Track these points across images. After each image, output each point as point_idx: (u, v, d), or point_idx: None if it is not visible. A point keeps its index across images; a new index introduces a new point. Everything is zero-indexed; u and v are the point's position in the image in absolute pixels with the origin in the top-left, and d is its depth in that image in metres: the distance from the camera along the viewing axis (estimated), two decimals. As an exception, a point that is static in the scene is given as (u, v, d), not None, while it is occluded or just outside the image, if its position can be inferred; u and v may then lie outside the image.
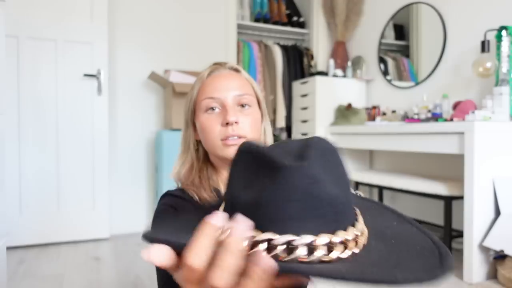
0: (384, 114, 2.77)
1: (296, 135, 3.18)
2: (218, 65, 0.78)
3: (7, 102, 2.17)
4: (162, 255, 0.32)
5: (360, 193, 0.56)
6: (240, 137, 0.70)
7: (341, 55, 3.25)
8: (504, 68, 1.95)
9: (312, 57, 3.37)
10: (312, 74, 3.21)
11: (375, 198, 2.97)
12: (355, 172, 2.79)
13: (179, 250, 0.32)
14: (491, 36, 2.03)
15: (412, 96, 2.68)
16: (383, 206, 0.51)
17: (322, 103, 2.98)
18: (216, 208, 0.47)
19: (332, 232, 0.35)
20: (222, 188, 0.75)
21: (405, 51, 2.82)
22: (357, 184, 2.77)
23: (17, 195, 2.30)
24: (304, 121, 3.06)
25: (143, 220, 2.71)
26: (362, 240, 0.38)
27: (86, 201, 2.46)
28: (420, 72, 2.65)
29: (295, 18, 3.49)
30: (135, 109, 2.75)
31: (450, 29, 2.42)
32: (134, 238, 2.52)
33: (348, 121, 2.83)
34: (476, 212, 1.73)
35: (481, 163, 1.74)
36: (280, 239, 0.33)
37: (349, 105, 2.88)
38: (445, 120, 2.07)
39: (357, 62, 3.17)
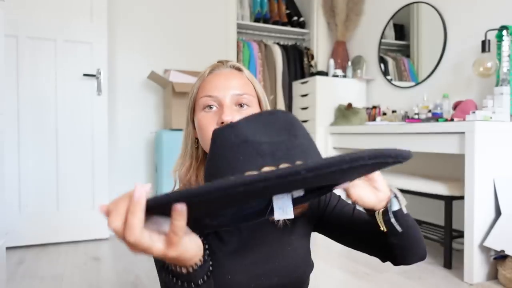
0: (384, 114, 2.76)
1: (296, 135, 3.17)
2: (220, 63, 0.77)
3: (6, 102, 2.17)
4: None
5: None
6: None
7: (341, 55, 3.25)
8: (505, 68, 1.95)
9: (312, 57, 3.36)
10: (312, 74, 3.21)
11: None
12: (355, 172, 2.78)
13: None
14: (492, 36, 2.03)
15: (413, 96, 2.67)
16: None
17: (322, 103, 2.97)
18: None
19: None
20: None
21: (406, 51, 2.81)
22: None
23: (17, 195, 2.29)
24: (304, 121, 3.06)
25: (143, 220, 2.70)
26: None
27: (85, 201, 2.46)
28: (420, 72, 2.65)
29: (295, 18, 3.48)
30: (135, 109, 2.75)
31: (450, 29, 2.41)
32: (134, 238, 2.52)
33: (349, 121, 2.82)
34: (476, 212, 1.73)
35: (481, 163, 1.73)
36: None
37: (349, 105, 2.87)
38: (446, 120, 2.07)
39: (357, 62, 3.16)
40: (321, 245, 2.19)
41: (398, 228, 0.63)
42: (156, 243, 0.40)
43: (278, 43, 3.35)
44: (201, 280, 0.54)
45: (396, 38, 2.92)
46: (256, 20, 3.34)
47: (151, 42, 2.78)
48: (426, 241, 2.23)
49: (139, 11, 2.75)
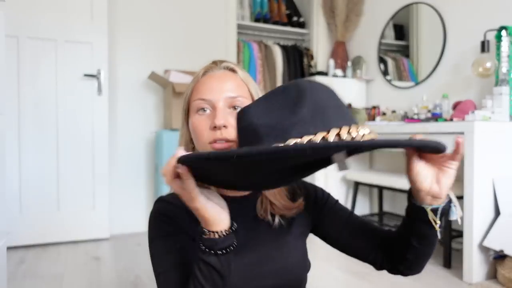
0: (384, 114, 2.77)
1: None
2: (213, 64, 0.75)
3: (7, 102, 2.17)
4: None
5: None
6: (227, 141, 0.67)
7: (341, 55, 3.26)
8: (504, 68, 1.95)
9: (312, 57, 3.37)
10: (312, 74, 3.21)
11: (375, 198, 2.98)
12: (355, 172, 2.80)
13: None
14: (491, 36, 2.03)
15: (412, 96, 2.68)
16: None
17: (322, 103, 2.97)
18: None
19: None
20: (213, 190, 0.73)
21: (405, 51, 2.82)
22: (357, 184, 2.77)
23: (17, 195, 2.30)
24: (304, 121, 3.06)
25: (143, 220, 2.71)
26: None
27: (86, 201, 2.46)
28: (420, 72, 2.65)
29: (295, 18, 3.49)
30: (135, 109, 2.75)
31: (450, 29, 2.42)
32: (134, 238, 2.52)
33: (348, 121, 2.82)
34: (476, 212, 1.73)
35: (481, 163, 1.74)
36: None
37: (349, 105, 2.88)
38: (445, 120, 2.07)
39: (357, 62, 3.17)
40: (321, 245, 2.18)
41: (438, 234, 0.64)
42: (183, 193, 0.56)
43: (278, 44, 3.35)
44: (221, 251, 0.58)
45: (396, 39, 2.92)
46: (256, 20, 3.34)
47: (151, 42, 2.78)
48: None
49: (139, 11, 2.75)
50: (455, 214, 0.62)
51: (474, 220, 1.73)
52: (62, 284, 1.76)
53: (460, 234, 2.01)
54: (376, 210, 2.94)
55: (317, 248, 2.20)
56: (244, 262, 0.71)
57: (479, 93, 2.20)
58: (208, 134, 0.69)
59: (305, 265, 0.80)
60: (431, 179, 0.61)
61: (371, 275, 1.82)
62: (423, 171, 0.61)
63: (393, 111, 2.73)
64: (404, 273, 0.75)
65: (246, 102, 0.72)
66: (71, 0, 2.42)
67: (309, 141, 0.50)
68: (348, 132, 0.52)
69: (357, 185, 2.77)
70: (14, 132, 2.29)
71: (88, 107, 2.46)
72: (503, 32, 1.94)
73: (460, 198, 1.90)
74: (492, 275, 1.78)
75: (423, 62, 2.65)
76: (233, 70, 0.75)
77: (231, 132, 0.68)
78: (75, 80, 2.43)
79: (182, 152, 0.53)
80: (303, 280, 0.80)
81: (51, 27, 2.36)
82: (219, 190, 0.73)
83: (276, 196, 0.74)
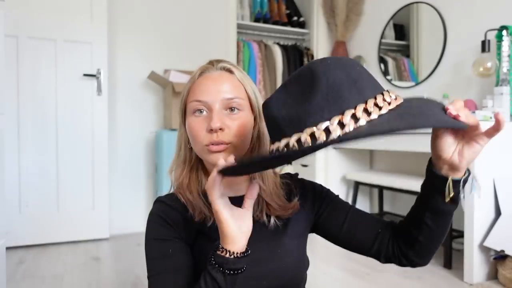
0: (384, 114, 2.76)
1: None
2: (210, 65, 0.74)
3: (6, 102, 2.17)
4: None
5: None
6: (224, 144, 0.68)
7: (341, 54, 3.25)
8: (505, 68, 1.95)
9: (312, 57, 3.36)
10: (312, 74, 3.20)
11: (375, 198, 2.97)
12: (355, 172, 2.79)
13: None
14: (492, 36, 2.03)
15: (413, 96, 2.67)
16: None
17: (322, 103, 2.97)
18: (201, 223, 0.72)
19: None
20: None
21: (405, 51, 2.81)
22: (358, 184, 2.77)
23: (17, 195, 2.29)
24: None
25: (142, 220, 2.71)
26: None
27: (85, 201, 2.46)
28: (420, 72, 2.65)
29: (295, 18, 3.48)
30: (135, 109, 2.75)
31: (450, 29, 2.41)
32: (134, 238, 2.52)
33: (348, 121, 2.82)
34: (476, 212, 1.73)
35: (481, 163, 1.73)
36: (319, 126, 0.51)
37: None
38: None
39: (357, 62, 3.16)
40: (321, 245, 2.19)
41: (458, 202, 0.64)
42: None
43: (278, 43, 3.35)
44: (229, 271, 0.59)
45: (396, 38, 2.92)
46: (256, 20, 3.34)
47: (151, 42, 2.78)
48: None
49: (139, 11, 2.75)
50: (476, 188, 0.61)
51: (474, 220, 1.72)
52: (62, 284, 1.76)
53: (460, 234, 2.00)
54: (376, 210, 2.94)
55: (317, 248, 2.20)
56: None
57: (479, 93, 2.19)
58: (205, 136, 0.68)
59: (303, 265, 0.80)
60: (454, 149, 0.60)
61: (371, 275, 1.82)
62: (449, 139, 0.59)
63: (394, 111, 2.72)
64: (413, 262, 0.72)
65: (243, 103, 0.72)
66: (71, 0, 2.42)
67: (325, 129, 0.50)
68: (365, 110, 0.51)
69: (357, 185, 2.77)
70: (14, 132, 2.28)
71: (87, 107, 2.46)
72: (504, 32, 1.94)
73: (460, 198, 1.90)
74: (493, 275, 1.77)
75: (423, 62, 2.64)
76: (229, 71, 0.74)
77: (227, 135, 0.68)
78: (74, 80, 2.43)
79: (222, 162, 0.57)
80: (301, 280, 0.80)
81: (51, 27, 2.36)
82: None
83: (273, 197, 0.74)
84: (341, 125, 0.50)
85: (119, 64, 2.69)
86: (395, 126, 0.48)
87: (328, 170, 2.94)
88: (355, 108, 0.51)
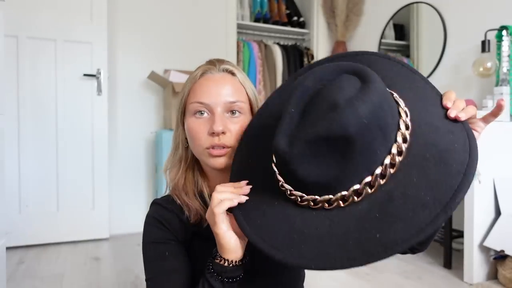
0: (384, 114, 2.76)
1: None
2: (212, 65, 0.73)
3: (6, 102, 2.17)
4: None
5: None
6: (225, 147, 0.68)
7: (341, 55, 3.25)
8: (505, 68, 1.95)
9: (312, 57, 3.36)
10: (312, 74, 3.20)
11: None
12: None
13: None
14: (492, 36, 2.03)
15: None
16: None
17: (322, 103, 2.97)
18: (197, 225, 0.72)
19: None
20: (207, 193, 0.74)
21: (406, 51, 2.81)
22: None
23: (17, 195, 2.29)
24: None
25: (142, 220, 2.68)
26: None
27: (85, 201, 2.46)
28: (420, 72, 2.65)
29: (295, 18, 3.48)
30: (135, 109, 2.75)
31: (450, 29, 2.41)
32: (134, 238, 2.52)
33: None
34: (476, 212, 1.73)
35: (481, 163, 1.73)
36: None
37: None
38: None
39: (357, 62, 3.16)
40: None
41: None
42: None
43: (278, 43, 3.35)
44: (227, 279, 0.60)
45: (396, 38, 2.92)
46: (256, 20, 3.34)
47: (151, 42, 2.78)
48: (426, 241, 2.23)
49: (139, 11, 2.75)
50: (476, 174, 0.59)
51: (474, 220, 1.72)
52: (62, 284, 1.76)
53: (460, 234, 2.00)
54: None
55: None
56: None
57: (479, 93, 2.19)
58: (206, 139, 0.68)
59: (298, 277, 0.80)
60: None
61: (371, 275, 1.82)
62: None
63: (393, 111, 2.72)
64: (414, 249, 0.72)
65: (245, 106, 0.71)
66: (71, 0, 2.42)
67: (354, 191, 0.50)
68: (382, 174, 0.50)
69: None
70: (14, 132, 2.28)
71: (87, 107, 2.46)
72: (504, 32, 1.94)
73: (460, 198, 1.90)
74: (493, 275, 1.77)
75: (423, 62, 2.64)
76: (231, 73, 0.73)
77: (229, 138, 0.68)
78: (74, 80, 2.43)
79: (228, 203, 0.57)
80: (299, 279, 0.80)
81: (51, 27, 2.36)
82: (212, 191, 0.73)
83: None
84: (370, 185, 0.50)
85: (119, 64, 2.69)
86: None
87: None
88: (382, 163, 0.50)
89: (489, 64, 2.00)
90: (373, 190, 0.50)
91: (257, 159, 0.63)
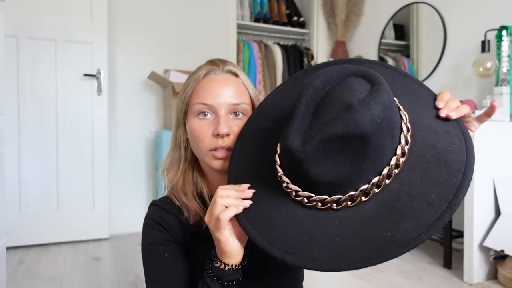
0: (384, 114, 2.76)
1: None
2: (215, 66, 0.73)
3: (6, 102, 2.17)
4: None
5: None
6: (229, 149, 0.67)
7: (341, 55, 3.25)
8: (504, 68, 1.95)
9: (312, 57, 3.36)
10: (312, 74, 3.20)
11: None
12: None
13: None
14: (491, 36, 2.03)
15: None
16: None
17: (322, 103, 2.97)
18: (196, 229, 0.71)
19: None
20: (206, 193, 0.73)
21: (405, 51, 2.81)
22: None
23: (17, 195, 2.29)
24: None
25: (142, 220, 2.70)
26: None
27: (86, 201, 2.46)
28: (420, 72, 2.65)
29: (295, 18, 3.48)
30: (135, 109, 2.75)
31: (450, 29, 2.41)
32: (134, 238, 2.52)
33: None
34: (476, 212, 1.73)
35: (481, 163, 1.73)
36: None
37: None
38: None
39: (357, 62, 3.16)
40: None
41: None
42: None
43: (278, 43, 3.35)
44: (227, 283, 0.60)
45: (396, 38, 2.92)
46: (256, 20, 3.34)
47: (151, 42, 2.78)
48: (427, 241, 2.23)
49: (139, 11, 2.75)
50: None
51: (474, 220, 1.73)
52: (62, 284, 1.76)
53: (460, 234, 2.00)
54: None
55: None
56: None
57: (479, 93, 2.19)
58: (210, 140, 0.68)
59: (298, 276, 0.80)
60: None
61: (371, 275, 1.82)
62: None
63: (393, 111, 2.72)
64: None
65: (248, 108, 0.71)
66: (71, 0, 2.42)
67: (362, 191, 0.51)
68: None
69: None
70: (14, 132, 2.28)
71: (87, 107, 2.46)
72: (504, 32, 1.94)
73: (460, 198, 1.90)
74: (493, 275, 1.77)
75: (423, 62, 2.64)
76: (235, 74, 0.73)
77: (233, 140, 0.67)
78: (74, 80, 2.43)
79: (233, 211, 0.56)
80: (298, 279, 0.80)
81: (51, 27, 2.36)
82: (211, 192, 0.73)
83: None
84: (376, 185, 0.51)
85: (119, 64, 2.69)
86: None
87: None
88: (388, 163, 0.52)
89: (489, 64, 2.00)
90: (379, 190, 0.52)
91: (256, 161, 0.62)
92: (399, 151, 0.52)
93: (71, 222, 2.41)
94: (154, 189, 2.76)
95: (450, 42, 2.41)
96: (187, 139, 0.74)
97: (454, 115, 0.56)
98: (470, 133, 0.60)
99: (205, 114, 0.69)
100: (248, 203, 0.57)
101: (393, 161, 0.51)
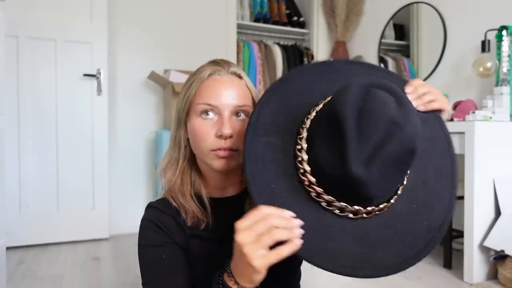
0: (384, 114, 2.76)
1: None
2: (220, 67, 0.72)
3: (6, 102, 2.17)
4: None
5: None
6: (231, 150, 0.67)
7: (341, 55, 3.25)
8: (505, 68, 1.95)
9: (312, 57, 3.36)
10: (312, 74, 3.20)
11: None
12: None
13: None
14: (492, 36, 2.03)
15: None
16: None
17: (322, 103, 2.97)
18: (195, 227, 0.71)
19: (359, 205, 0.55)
20: (204, 194, 0.73)
21: (406, 51, 2.81)
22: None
23: (17, 195, 2.29)
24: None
25: (143, 220, 2.71)
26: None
27: (85, 201, 2.46)
28: (420, 72, 2.65)
29: (295, 18, 3.48)
30: (135, 109, 2.75)
31: (450, 29, 2.41)
32: (134, 238, 2.50)
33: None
34: (476, 212, 1.73)
35: (481, 163, 1.73)
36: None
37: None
38: (446, 120, 2.07)
39: (357, 62, 3.16)
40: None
41: None
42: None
43: (278, 43, 3.35)
44: None
45: (396, 38, 2.92)
46: (256, 20, 3.34)
47: (151, 42, 2.78)
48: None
49: (139, 11, 2.75)
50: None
51: (474, 220, 1.72)
52: (62, 284, 1.76)
53: (460, 234, 2.00)
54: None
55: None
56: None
57: (479, 93, 2.19)
58: (213, 141, 0.67)
59: (295, 275, 0.80)
60: None
61: (371, 275, 1.81)
62: None
63: (394, 111, 2.72)
64: None
65: (250, 110, 0.71)
66: (71, 0, 2.42)
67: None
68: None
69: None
70: (14, 132, 2.28)
71: (87, 107, 2.46)
72: (504, 32, 1.94)
73: (461, 198, 1.90)
74: (493, 275, 1.77)
75: (423, 62, 2.64)
76: (239, 76, 0.73)
77: (236, 141, 0.67)
78: (74, 80, 2.43)
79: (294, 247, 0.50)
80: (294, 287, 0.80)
81: (51, 27, 2.36)
82: (209, 193, 0.73)
83: None
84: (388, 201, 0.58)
85: (119, 64, 2.69)
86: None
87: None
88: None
89: (489, 64, 2.00)
90: (389, 204, 0.56)
91: (276, 178, 0.58)
92: None
93: (71, 222, 2.41)
94: (154, 189, 2.76)
95: (450, 42, 2.41)
96: (187, 139, 0.74)
97: (421, 109, 0.62)
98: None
99: (207, 114, 0.69)
100: (300, 242, 0.50)
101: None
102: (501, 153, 1.79)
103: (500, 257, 1.71)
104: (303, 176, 0.55)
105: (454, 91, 2.35)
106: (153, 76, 2.64)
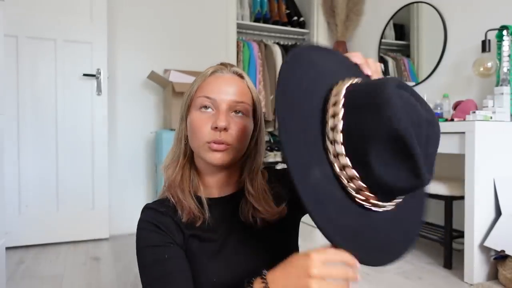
0: (384, 114, 2.76)
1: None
2: (223, 66, 0.75)
3: (6, 102, 2.17)
4: None
5: None
6: (225, 144, 0.68)
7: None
8: (505, 68, 1.94)
9: (312, 57, 3.36)
10: (312, 74, 3.20)
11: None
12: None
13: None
14: (492, 36, 2.03)
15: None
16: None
17: (322, 103, 2.97)
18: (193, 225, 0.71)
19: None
20: (203, 194, 0.73)
21: (406, 51, 2.81)
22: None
23: (17, 195, 2.29)
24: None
25: (143, 220, 2.70)
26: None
27: (85, 201, 2.46)
28: (420, 72, 2.65)
29: (295, 18, 3.48)
30: (135, 109, 2.75)
31: (450, 29, 2.41)
32: (134, 238, 2.51)
33: (348, 121, 2.82)
34: (477, 212, 1.73)
35: (482, 163, 1.73)
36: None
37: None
38: (446, 120, 2.07)
39: (357, 62, 3.16)
40: (320, 245, 2.18)
41: None
42: None
43: (278, 43, 3.35)
44: None
45: (396, 38, 2.91)
46: (256, 20, 3.33)
47: (151, 42, 2.78)
48: (427, 241, 2.22)
49: (139, 11, 2.75)
50: None
51: (475, 220, 1.72)
52: (62, 284, 1.75)
53: (461, 234, 2.00)
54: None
55: (317, 247, 2.20)
56: (224, 263, 0.71)
57: (480, 93, 2.19)
58: (208, 133, 0.68)
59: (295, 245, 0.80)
60: None
61: (371, 275, 1.81)
62: None
63: (394, 111, 2.72)
64: None
65: (249, 109, 0.73)
66: (71, 0, 2.42)
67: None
68: None
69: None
70: (13, 132, 2.28)
71: (87, 107, 2.46)
72: (504, 32, 1.94)
73: (461, 198, 1.90)
74: (493, 275, 1.77)
75: (423, 61, 2.64)
76: (241, 76, 0.75)
77: (230, 136, 0.68)
78: (74, 80, 2.43)
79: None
80: None
81: (51, 26, 2.36)
82: (206, 193, 0.74)
83: (261, 202, 0.72)
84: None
85: (119, 64, 2.69)
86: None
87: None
88: None
89: (489, 64, 2.00)
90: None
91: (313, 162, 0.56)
92: None
93: (71, 222, 2.41)
94: (154, 189, 2.75)
95: (451, 41, 2.41)
96: (187, 136, 0.75)
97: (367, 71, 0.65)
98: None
99: (206, 108, 0.70)
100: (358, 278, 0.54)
101: None
102: (502, 153, 1.79)
103: (501, 257, 1.71)
104: (357, 193, 0.56)
105: (454, 91, 2.34)
106: (153, 76, 2.64)
